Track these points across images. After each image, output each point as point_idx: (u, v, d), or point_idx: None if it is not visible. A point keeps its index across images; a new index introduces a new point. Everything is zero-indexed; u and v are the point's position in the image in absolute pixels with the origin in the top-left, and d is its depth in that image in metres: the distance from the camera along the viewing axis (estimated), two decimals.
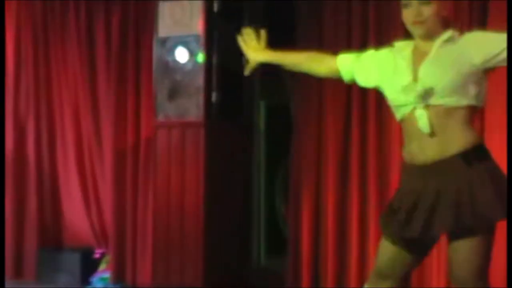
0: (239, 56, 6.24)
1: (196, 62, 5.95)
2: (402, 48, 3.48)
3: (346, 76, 3.65)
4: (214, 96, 5.99)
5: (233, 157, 6.13)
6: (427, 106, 3.33)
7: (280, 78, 5.89)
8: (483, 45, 3.33)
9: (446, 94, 3.32)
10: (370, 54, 3.63)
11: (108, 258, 6.57)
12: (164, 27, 6.07)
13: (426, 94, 3.32)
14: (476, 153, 3.34)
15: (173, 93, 6.02)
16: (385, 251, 3.48)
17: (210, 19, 5.98)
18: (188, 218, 5.93)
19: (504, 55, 3.29)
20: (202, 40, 5.94)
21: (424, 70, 3.36)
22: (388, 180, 5.61)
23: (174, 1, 6.01)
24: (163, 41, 6.07)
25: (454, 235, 3.30)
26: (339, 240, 5.74)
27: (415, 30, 3.41)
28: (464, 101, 3.33)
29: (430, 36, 3.38)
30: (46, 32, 6.83)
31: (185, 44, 5.97)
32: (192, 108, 5.95)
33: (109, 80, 6.55)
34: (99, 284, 6.47)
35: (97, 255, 6.62)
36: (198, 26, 5.94)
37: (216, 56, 6.02)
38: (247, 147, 6.33)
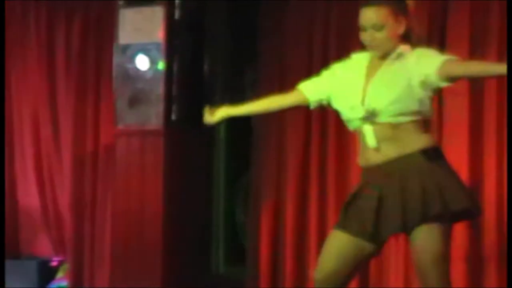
0: (200, 64, 6.30)
1: (157, 70, 5.93)
2: (358, 61, 3.69)
3: (312, 99, 3.80)
4: (174, 105, 5.98)
5: (193, 166, 6.12)
6: (374, 122, 3.53)
7: (241, 87, 5.93)
8: (422, 66, 3.51)
9: (390, 114, 3.51)
10: (327, 72, 3.81)
11: (66, 266, 6.52)
12: (125, 34, 6.05)
13: (371, 115, 3.53)
14: (435, 152, 3.55)
15: (133, 101, 6.00)
16: (338, 252, 3.58)
17: (171, 27, 5.97)
18: (147, 226, 5.91)
19: (437, 77, 3.47)
20: (163, 48, 5.92)
21: (371, 90, 3.55)
22: (348, 191, 5.62)
23: (135, 8, 6.00)
24: (124, 49, 6.05)
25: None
26: (298, 250, 5.75)
27: (371, 51, 3.62)
28: (409, 118, 3.52)
29: (386, 55, 3.58)
30: (6, 38, 6.77)
31: (146, 52, 5.96)
32: (152, 116, 5.94)
33: (68, 87, 6.51)
34: None
35: (54, 263, 6.57)
36: (159, 34, 5.93)
37: (177, 65, 6.01)
38: (207, 156, 6.32)
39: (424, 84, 3.50)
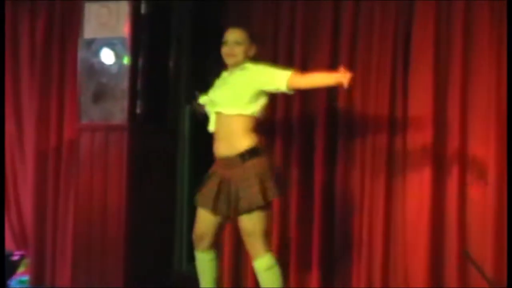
0: (165, 60, 6.28)
1: (122, 65, 5.90)
2: (223, 75, 4.94)
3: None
4: (139, 100, 5.95)
5: (157, 161, 6.10)
6: (216, 113, 4.81)
7: (206, 83, 5.89)
8: (258, 78, 4.73)
9: (224, 105, 4.76)
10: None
11: (27, 260, 6.49)
12: (90, 28, 6.01)
13: (212, 103, 4.85)
14: (250, 153, 4.70)
15: (98, 96, 5.96)
16: (203, 218, 4.88)
17: (137, 21, 5.94)
18: (110, 222, 5.88)
19: (270, 87, 4.73)
20: (128, 42, 5.89)
21: (219, 89, 4.85)
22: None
23: (100, 2, 5.96)
24: (89, 43, 6.01)
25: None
26: None
27: (227, 60, 4.85)
28: (237, 111, 4.70)
29: (237, 66, 4.82)
30: None
31: (111, 46, 5.93)
32: (117, 111, 5.90)
33: (32, 81, 6.49)
34: (18, 287, 6.39)
35: (16, 258, 6.52)
36: (124, 29, 5.90)
37: (142, 60, 5.98)
38: (171, 151, 6.32)
39: (268, 91, 4.75)
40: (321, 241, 5.70)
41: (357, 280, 5.61)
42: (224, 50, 4.84)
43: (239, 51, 4.81)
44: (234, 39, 4.82)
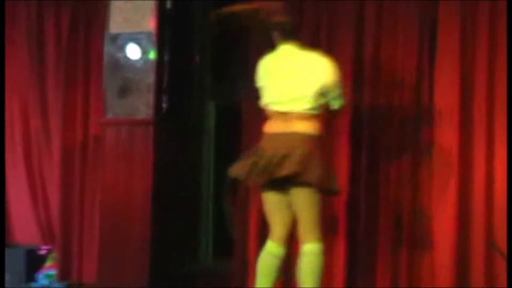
0: (190, 54, 6.28)
1: (147, 60, 5.91)
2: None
3: None
4: (164, 95, 5.96)
5: (182, 156, 6.11)
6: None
7: (230, 78, 5.90)
8: None
9: None
10: None
11: (54, 254, 6.52)
12: (116, 23, 6.03)
13: None
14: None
15: (123, 91, 5.98)
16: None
17: (163, 16, 5.95)
18: (135, 217, 5.90)
19: None
20: (154, 37, 5.89)
21: None
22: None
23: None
24: (114, 38, 6.03)
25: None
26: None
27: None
28: None
29: None
30: None
31: (137, 41, 5.94)
32: (142, 106, 5.92)
33: (58, 77, 6.51)
34: (45, 281, 6.43)
35: (43, 252, 6.57)
36: (149, 23, 5.91)
37: (168, 54, 5.98)
38: (196, 147, 6.32)
39: None
40: (346, 241, 5.67)
41: (382, 280, 5.59)
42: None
43: None
44: None
